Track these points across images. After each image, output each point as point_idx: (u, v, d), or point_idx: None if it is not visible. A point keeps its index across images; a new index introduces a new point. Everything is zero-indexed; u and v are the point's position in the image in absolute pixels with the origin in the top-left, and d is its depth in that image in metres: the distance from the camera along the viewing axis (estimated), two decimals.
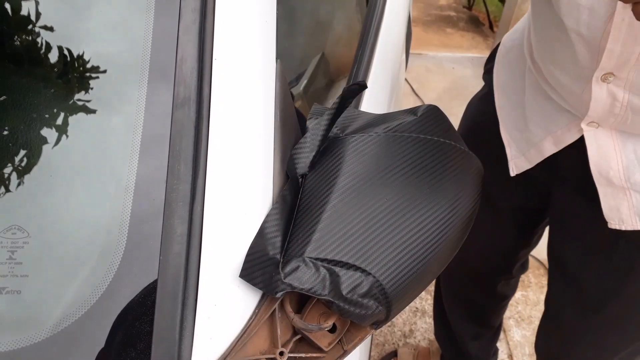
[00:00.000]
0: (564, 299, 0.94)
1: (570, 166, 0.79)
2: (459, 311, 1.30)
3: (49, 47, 0.45)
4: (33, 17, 0.46)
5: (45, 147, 0.43)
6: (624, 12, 0.54)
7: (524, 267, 1.19)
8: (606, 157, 0.70)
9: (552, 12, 0.63)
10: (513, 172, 0.85)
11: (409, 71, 2.89)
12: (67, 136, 0.43)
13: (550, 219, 0.95)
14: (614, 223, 0.74)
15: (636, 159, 0.68)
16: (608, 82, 0.62)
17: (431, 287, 1.78)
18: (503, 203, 0.98)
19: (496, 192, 0.96)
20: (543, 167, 0.81)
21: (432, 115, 0.55)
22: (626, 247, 0.78)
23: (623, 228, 0.73)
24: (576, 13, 0.58)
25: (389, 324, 1.68)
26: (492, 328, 1.34)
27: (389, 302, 0.44)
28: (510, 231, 1.04)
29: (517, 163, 0.84)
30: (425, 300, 1.74)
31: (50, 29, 0.46)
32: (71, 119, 0.44)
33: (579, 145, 0.72)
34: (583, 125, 0.70)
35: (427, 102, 2.61)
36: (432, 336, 1.63)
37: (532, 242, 1.09)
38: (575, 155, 0.74)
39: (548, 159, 0.80)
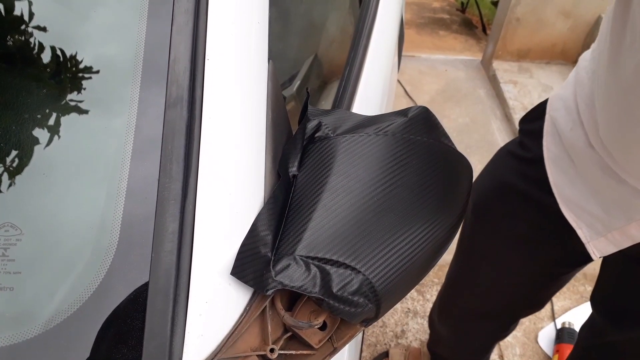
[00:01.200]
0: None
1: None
2: (463, 347, 1.24)
3: (42, 48, 0.46)
4: (26, 17, 0.47)
5: (38, 146, 0.43)
6: None
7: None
8: None
9: None
10: (595, 257, 0.73)
11: (403, 73, 2.91)
12: (60, 135, 0.44)
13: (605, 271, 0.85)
14: None
15: None
16: None
17: (425, 293, 1.79)
18: (541, 250, 0.86)
19: (534, 241, 0.86)
20: None
21: (423, 116, 0.56)
22: None
23: None
24: None
25: (381, 324, 1.68)
26: (490, 351, 1.29)
27: (378, 299, 0.45)
28: (552, 276, 0.92)
29: (599, 246, 0.72)
30: (417, 301, 1.75)
31: (44, 29, 0.46)
32: (64, 119, 0.44)
33: None
34: None
35: (420, 104, 2.62)
36: (423, 337, 1.64)
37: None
38: None
39: None
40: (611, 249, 0.70)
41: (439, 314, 1.24)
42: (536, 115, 0.81)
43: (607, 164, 0.64)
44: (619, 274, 0.78)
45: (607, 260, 0.84)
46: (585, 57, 0.71)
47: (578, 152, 0.69)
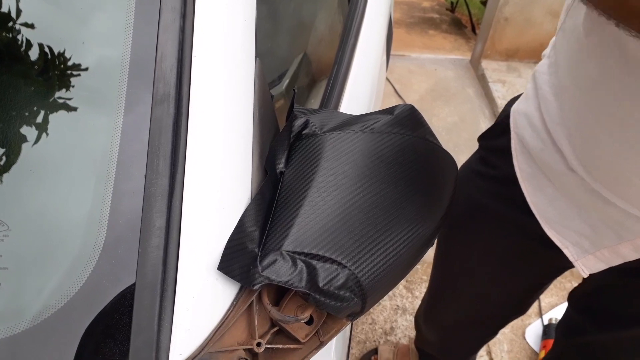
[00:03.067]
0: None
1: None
2: (453, 348, 1.23)
3: (29, 45, 0.46)
4: (14, 14, 0.47)
5: (26, 143, 0.43)
6: None
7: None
8: None
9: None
10: (585, 274, 0.70)
11: (392, 72, 2.92)
12: (47, 132, 0.44)
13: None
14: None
15: None
16: None
17: (414, 290, 1.80)
18: (523, 262, 0.84)
19: (513, 255, 0.83)
20: None
21: (409, 114, 0.57)
22: None
23: None
24: None
25: (370, 321, 1.69)
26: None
27: (364, 294, 0.46)
28: (535, 285, 0.91)
29: (588, 264, 0.69)
30: (406, 298, 1.76)
31: (31, 26, 0.46)
32: (52, 116, 0.44)
33: None
34: None
35: (410, 102, 2.63)
36: (412, 334, 1.65)
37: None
38: None
39: None
40: (601, 267, 0.68)
41: (425, 321, 1.23)
42: (499, 131, 0.77)
43: (592, 186, 0.59)
44: (602, 275, 0.76)
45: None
46: (543, 70, 0.65)
47: (556, 174, 0.65)
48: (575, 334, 0.93)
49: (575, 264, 0.69)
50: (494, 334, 1.12)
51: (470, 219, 0.85)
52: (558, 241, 0.70)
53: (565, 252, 0.69)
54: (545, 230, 0.70)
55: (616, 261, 0.65)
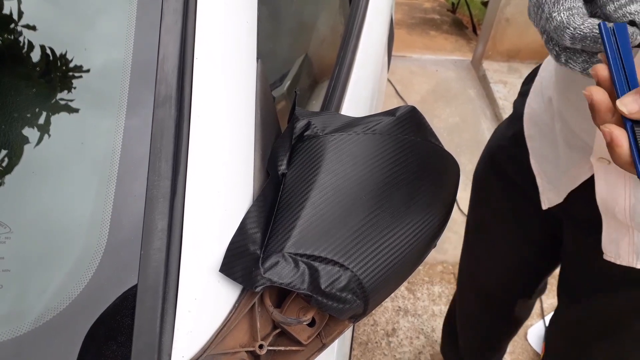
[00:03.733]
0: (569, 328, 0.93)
1: (581, 206, 0.75)
2: (470, 333, 1.28)
3: (31, 47, 0.46)
4: (15, 16, 0.47)
5: (28, 145, 0.43)
6: None
7: (542, 290, 1.16)
8: (613, 194, 0.67)
9: None
10: (545, 206, 0.81)
11: (393, 73, 2.92)
12: (49, 134, 0.44)
13: (562, 251, 0.92)
14: (610, 255, 0.72)
15: None
16: None
17: (416, 291, 1.80)
18: (523, 231, 0.96)
19: (516, 218, 0.94)
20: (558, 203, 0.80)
21: (410, 116, 0.57)
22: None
23: (618, 262, 0.71)
24: None
25: (372, 323, 1.69)
26: (501, 350, 1.32)
27: (366, 296, 0.46)
28: (531, 257, 1.00)
29: (549, 197, 0.80)
30: (407, 300, 1.76)
31: (33, 28, 0.46)
32: (54, 117, 0.44)
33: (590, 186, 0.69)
34: (592, 160, 0.66)
35: (411, 103, 2.63)
36: (413, 335, 1.65)
37: (556, 266, 1.03)
38: (587, 196, 0.71)
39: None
40: (557, 200, 0.78)
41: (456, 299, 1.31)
42: (530, 77, 0.87)
43: (562, 113, 0.71)
44: (572, 251, 0.85)
45: (565, 245, 0.89)
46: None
47: (548, 103, 0.77)
48: (557, 317, 1.00)
49: (541, 196, 0.81)
50: (505, 321, 1.19)
51: (482, 165, 0.98)
52: (535, 170, 0.81)
53: (538, 181, 0.81)
54: (531, 160, 0.82)
55: (568, 188, 0.75)
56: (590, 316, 0.87)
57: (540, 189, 0.81)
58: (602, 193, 0.68)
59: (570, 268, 0.90)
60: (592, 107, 0.39)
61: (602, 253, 0.73)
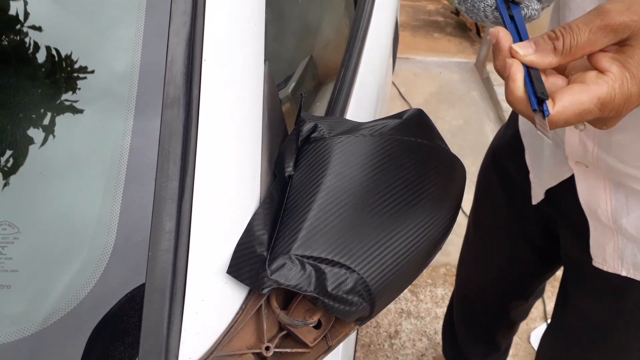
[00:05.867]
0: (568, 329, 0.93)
1: (570, 205, 0.76)
2: (469, 333, 1.29)
3: (37, 47, 0.46)
4: (21, 17, 0.47)
5: (36, 145, 0.43)
6: None
7: (538, 295, 1.16)
8: (595, 196, 0.67)
9: None
10: (534, 201, 0.83)
11: (397, 75, 2.92)
12: (57, 135, 0.44)
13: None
14: (597, 261, 0.71)
15: (626, 204, 0.65)
16: (580, 130, 0.56)
17: (419, 294, 1.79)
18: (520, 230, 0.96)
19: (513, 217, 0.95)
20: (550, 202, 0.81)
21: (417, 118, 0.57)
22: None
23: (605, 269, 0.70)
24: None
25: (374, 325, 1.69)
26: (501, 349, 1.32)
27: (372, 298, 0.46)
28: (528, 258, 1.00)
29: (536, 192, 0.82)
30: (410, 302, 1.76)
31: (39, 29, 0.47)
32: (62, 118, 0.44)
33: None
34: (571, 164, 0.68)
35: (415, 106, 2.63)
36: (416, 337, 1.65)
37: (553, 271, 1.05)
38: (573, 196, 0.72)
39: (555, 196, 0.79)
40: (541, 196, 0.80)
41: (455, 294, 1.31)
42: None
43: None
44: (566, 253, 0.86)
45: (561, 248, 0.89)
46: None
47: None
48: (552, 321, 1.00)
49: (533, 192, 0.83)
50: (502, 322, 1.20)
51: (484, 164, 1.01)
52: (529, 166, 0.82)
53: (531, 177, 0.82)
54: (526, 156, 0.83)
55: (550, 183, 0.77)
56: (583, 320, 0.86)
57: (532, 185, 0.82)
58: (584, 194, 0.68)
59: (566, 271, 0.90)
60: (496, 46, 0.41)
61: (590, 257, 0.72)
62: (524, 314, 1.23)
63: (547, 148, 0.76)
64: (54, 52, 0.46)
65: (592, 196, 0.68)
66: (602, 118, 0.37)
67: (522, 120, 0.85)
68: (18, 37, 0.47)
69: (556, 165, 0.74)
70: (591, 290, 0.81)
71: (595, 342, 0.84)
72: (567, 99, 0.36)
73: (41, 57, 0.46)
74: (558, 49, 0.36)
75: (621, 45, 0.36)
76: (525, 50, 0.38)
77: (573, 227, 0.79)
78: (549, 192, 0.80)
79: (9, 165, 0.43)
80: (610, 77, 0.35)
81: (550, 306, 1.74)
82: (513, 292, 1.10)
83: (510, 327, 1.24)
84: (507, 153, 0.91)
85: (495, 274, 1.07)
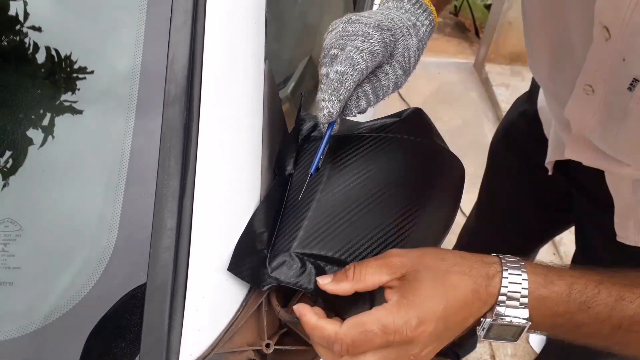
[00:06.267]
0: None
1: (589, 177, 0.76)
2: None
3: (37, 47, 0.46)
4: (21, 17, 0.47)
5: (37, 144, 0.44)
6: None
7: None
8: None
9: None
10: (550, 168, 0.84)
11: None
12: (59, 133, 0.44)
13: (574, 221, 0.95)
14: (620, 236, 0.71)
15: None
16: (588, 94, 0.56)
17: None
18: (529, 197, 1.01)
19: (524, 186, 1.00)
20: (563, 172, 0.83)
21: (416, 117, 0.57)
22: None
23: (626, 242, 0.71)
24: None
25: None
26: None
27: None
28: (538, 226, 1.06)
29: (550, 157, 0.84)
30: None
31: (39, 29, 0.47)
32: (63, 117, 0.45)
33: None
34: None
35: (413, 106, 2.63)
36: None
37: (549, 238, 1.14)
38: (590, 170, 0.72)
39: (569, 167, 0.80)
40: (558, 156, 0.81)
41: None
42: None
43: None
44: (580, 213, 0.89)
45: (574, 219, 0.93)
46: None
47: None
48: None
49: (547, 164, 0.84)
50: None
51: (505, 139, 1.03)
52: (549, 137, 0.83)
53: (549, 148, 0.84)
54: (544, 129, 0.85)
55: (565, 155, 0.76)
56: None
57: (548, 156, 0.84)
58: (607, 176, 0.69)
59: (578, 249, 0.91)
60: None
61: (603, 232, 0.73)
62: None
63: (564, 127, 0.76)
64: (54, 51, 0.46)
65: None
66: (394, 344, 0.41)
67: (541, 96, 0.87)
68: (18, 38, 0.47)
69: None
70: (611, 248, 0.80)
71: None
72: (351, 320, 0.41)
73: (46, 57, 0.46)
74: (349, 277, 0.43)
75: (401, 279, 0.43)
76: (324, 280, 0.44)
77: (588, 199, 0.82)
78: (563, 163, 0.81)
79: (12, 163, 0.43)
80: (390, 303, 0.42)
81: None
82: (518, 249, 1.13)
83: None
84: (523, 123, 0.93)
85: (503, 229, 1.12)
